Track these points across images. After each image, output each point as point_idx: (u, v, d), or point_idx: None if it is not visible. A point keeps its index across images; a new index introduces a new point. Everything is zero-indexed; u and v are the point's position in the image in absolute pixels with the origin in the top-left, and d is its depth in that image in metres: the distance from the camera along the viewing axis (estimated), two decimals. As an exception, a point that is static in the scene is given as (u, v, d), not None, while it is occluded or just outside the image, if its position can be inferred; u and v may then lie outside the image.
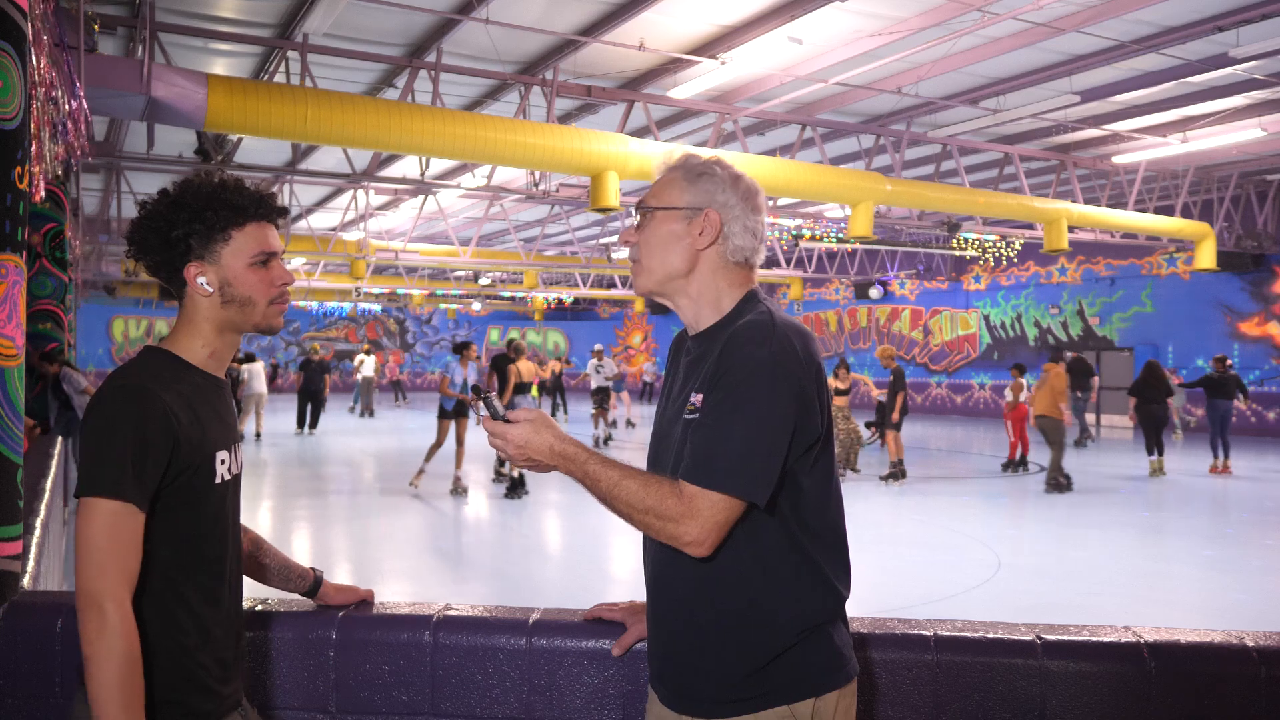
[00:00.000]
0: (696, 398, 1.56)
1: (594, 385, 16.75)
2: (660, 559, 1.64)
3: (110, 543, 1.44)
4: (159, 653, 1.53)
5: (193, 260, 1.60)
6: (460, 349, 11.12)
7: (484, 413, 1.59)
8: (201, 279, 1.60)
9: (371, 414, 23.54)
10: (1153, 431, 12.89)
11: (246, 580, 1.80)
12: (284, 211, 1.71)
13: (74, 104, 4.30)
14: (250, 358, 17.38)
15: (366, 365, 23.71)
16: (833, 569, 1.60)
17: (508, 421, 1.56)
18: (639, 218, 1.69)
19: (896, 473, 12.04)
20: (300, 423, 18.43)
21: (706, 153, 1.81)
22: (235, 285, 1.62)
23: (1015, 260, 23.65)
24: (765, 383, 1.50)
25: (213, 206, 1.60)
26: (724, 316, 1.64)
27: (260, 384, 17.13)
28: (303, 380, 18.73)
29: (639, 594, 2.07)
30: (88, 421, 1.50)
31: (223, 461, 1.61)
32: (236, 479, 1.69)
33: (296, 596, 2.05)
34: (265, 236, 1.65)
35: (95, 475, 1.46)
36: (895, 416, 12.11)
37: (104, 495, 1.45)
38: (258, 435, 17.20)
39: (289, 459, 14.66)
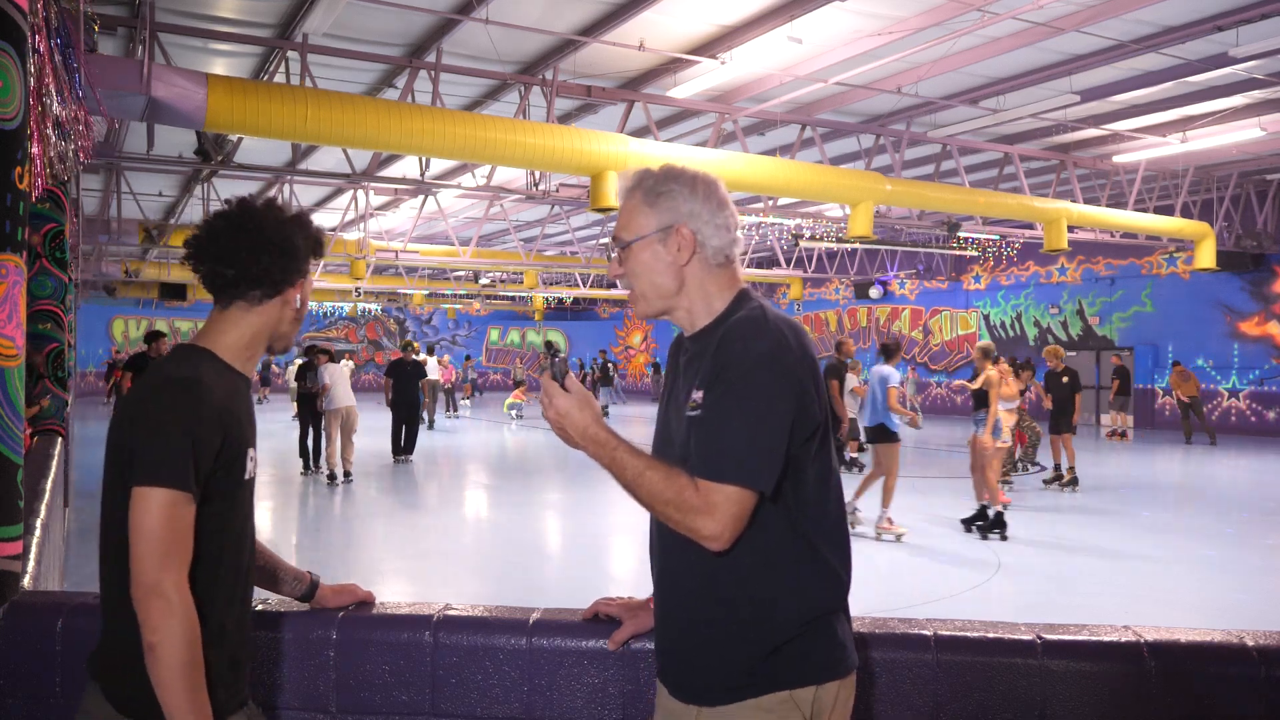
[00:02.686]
0: (697, 394, 1.59)
1: None
2: (667, 553, 1.67)
3: (170, 531, 1.49)
4: None
5: (300, 276, 1.75)
6: (890, 351, 8.96)
7: (549, 370, 1.66)
8: (297, 295, 1.75)
9: (431, 425, 19.50)
10: None
11: None
12: None
13: (78, 106, 4.30)
14: (333, 356, 12.56)
15: (430, 367, 19.43)
16: (835, 557, 1.63)
17: (564, 389, 1.62)
18: (618, 251, 1.73)
19: (1074, 479, 11.64)
20: (396, 448, 13.75)
21: (656, 159, 1.83)
22: (304, 305, 1.79)
23: (1015, 260, 23.66)
24: (763, 375, 1.54)
25: (322, 236, 1.81)
26: (717, 316, 1.68)
27: (348, 392, 11.92)
28: (392, 388, 13.76)
29: (639, 593, 2.07)
30: (142, 412, 1.54)
31: (252, 459, 1.67)
32: (255, 476, 1.74)
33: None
34: None
35: (153, 465, 1.50)
36: (1075, 419, 11.79)
37: (163, 485, 1.49)
38: (345, 475, 11.68)
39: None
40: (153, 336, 10.79)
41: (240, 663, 1.67)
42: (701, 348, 1.64)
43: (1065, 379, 11.92)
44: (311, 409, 12.46)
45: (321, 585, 2.04)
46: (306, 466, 12.55)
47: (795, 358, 1.56)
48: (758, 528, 1.57)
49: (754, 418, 1.52)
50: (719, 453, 1.53)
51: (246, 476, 1.65)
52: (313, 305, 33.65)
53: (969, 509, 9.14)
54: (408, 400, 13.76)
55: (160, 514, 1.48)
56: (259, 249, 1.66)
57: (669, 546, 1.64)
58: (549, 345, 1.85)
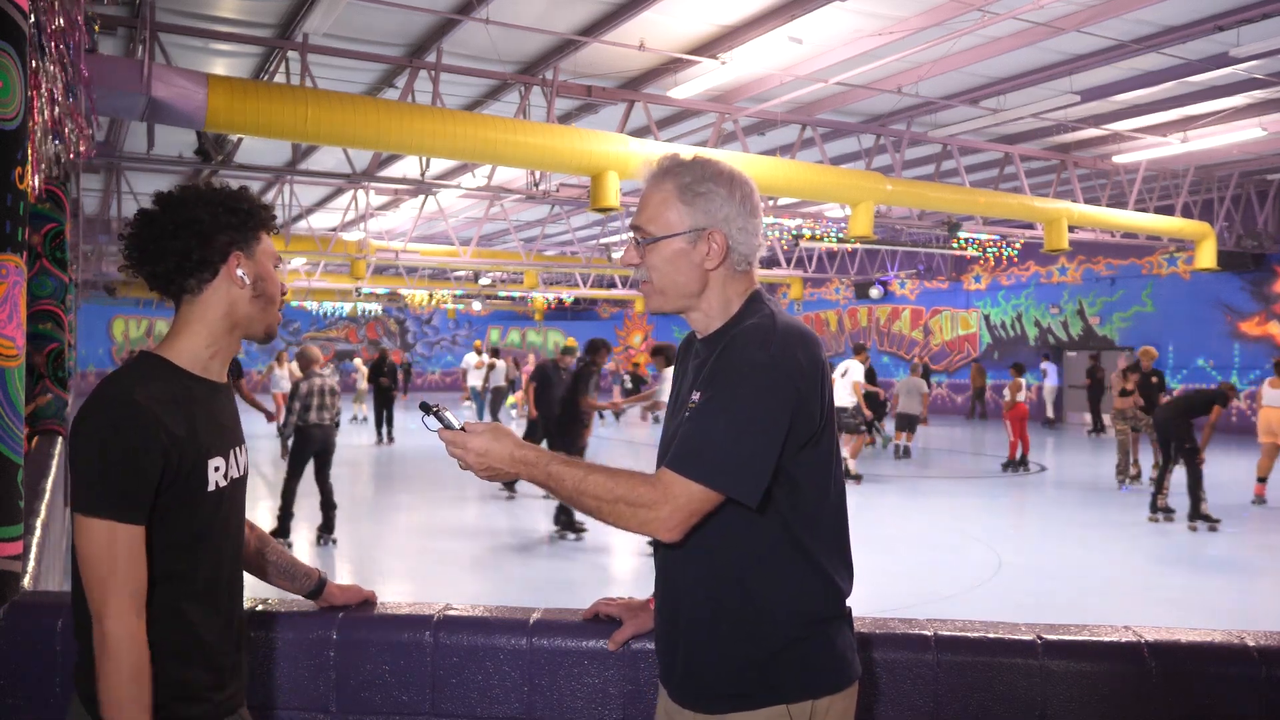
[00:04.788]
0: (695, 395, 1.58)
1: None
2: (667, 557, 1.66)
3: (109, 560, 1.45)
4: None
5: (235, 249, 1.62)
6: None
7: (437, 426, 1.59)
8: (240, 270, 1.62)
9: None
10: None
11: (249, 578, 1.80)
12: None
13: (80, 103, 4.30)
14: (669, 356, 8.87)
15: (497, 372, 17.32)
16: (832, 564, 1.62)
17: (464, 432, 1.57)
18: (640, 244, 1.68)
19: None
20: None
21: (689, 150, 1.81)
22: (266, 281, 1.66)
23: (1015, 260, 23.65)
24: (758, 384, 1.52)
25: (253, 206, 1.65)
26: (730, 319, 1.66)
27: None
28: (536, 398, 10.29)
29: (639, 593, 2.07)
30: (78, 433, 1.49)
31: (217, 468, 1.60)
32: (235, 483, 1.67)
33: (298, 596, 2.05)
34: (273, 245, 1.71)
35: (90, 494, 1.46)
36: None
37: (99, 515, 1.45)
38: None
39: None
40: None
41: (225, 670, 1.63)
42: (710, 351, 1.63)
43: (1154, 379, 12.17)
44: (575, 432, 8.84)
45: (329, 584, 2.04)
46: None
47: (798, 366, 1.54)
48: (749, 530, 1.56)
49: (740, 423, 1.51)
50: (696, 449, 1.52)
51: (210, 488, 1.57)
52: (312, 305, 33.61)
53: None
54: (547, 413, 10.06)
55: (98, 544, 1.45)
56: (172, 232, 1.58)
57: (669, 548, 1.62)
58: (422, 405, 1.69)
